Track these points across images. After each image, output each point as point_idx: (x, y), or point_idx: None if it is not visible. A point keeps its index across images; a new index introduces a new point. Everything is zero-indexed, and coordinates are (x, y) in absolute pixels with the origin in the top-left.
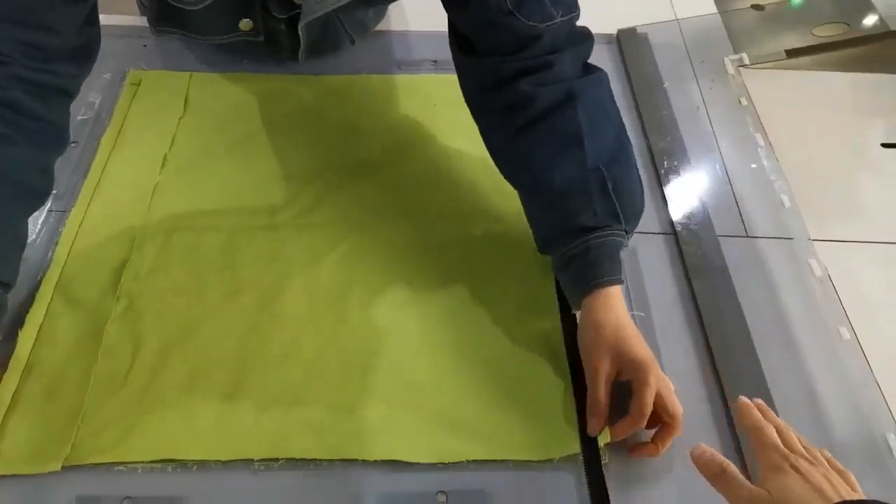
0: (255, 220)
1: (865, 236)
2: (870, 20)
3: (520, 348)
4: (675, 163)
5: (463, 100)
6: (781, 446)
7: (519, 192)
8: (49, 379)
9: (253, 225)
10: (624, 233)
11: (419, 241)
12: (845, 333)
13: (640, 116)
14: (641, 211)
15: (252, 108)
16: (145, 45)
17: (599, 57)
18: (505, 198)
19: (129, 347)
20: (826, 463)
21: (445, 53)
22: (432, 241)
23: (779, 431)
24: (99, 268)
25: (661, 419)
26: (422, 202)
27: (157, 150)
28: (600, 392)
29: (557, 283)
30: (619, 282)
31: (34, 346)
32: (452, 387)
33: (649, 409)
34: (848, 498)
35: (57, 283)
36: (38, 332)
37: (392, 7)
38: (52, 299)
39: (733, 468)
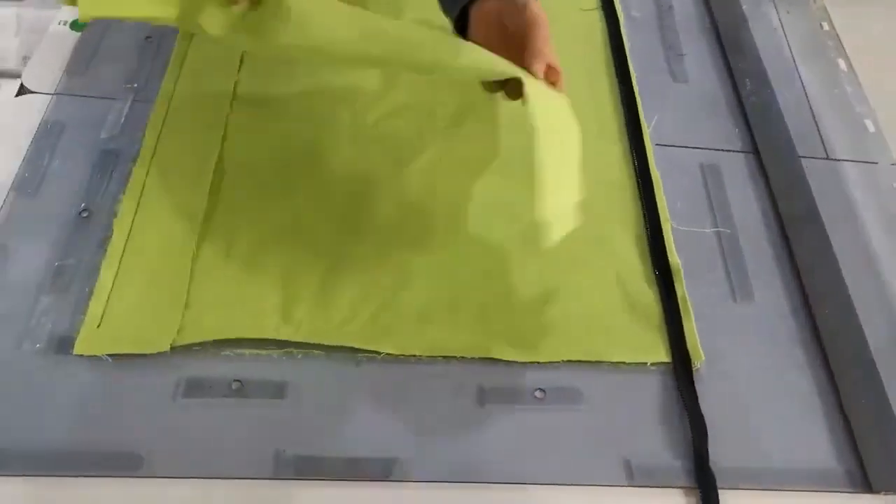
0: (336, 120)
1: None
2: None
3: (613, 262)
4: (756, 84)
5: None
6: None
7: None
8: (147, 269)
9: (335, 125)
10: None
11: (506, 144)
12: None
13: (718, 37)
14: None
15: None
16: None
17: None
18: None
19: (224, 240)
20: None
21: None
22: (517, 150)
23: None
24: (185, 162)
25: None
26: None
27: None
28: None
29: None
30: None
31: (129, 234)
32: (546, 290)
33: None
34: None
35: (147, 175)
36: (132, 223)
37: None
38: (142, 192)
39: None
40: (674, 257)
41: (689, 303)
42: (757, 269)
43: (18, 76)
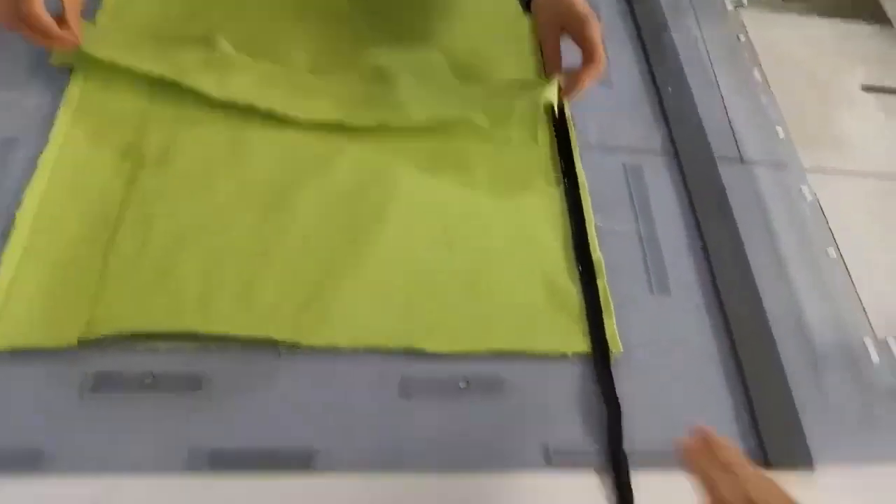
0: (262, 115)
1: (850, 167)
2: None
3: (538, 258)
4: (677, 90)
5: None
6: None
7: None
8: (54, 260)
9: (260, 117)
10: None
11: (432, 146)
12: (832, 252)
13: (642, 44)
14: None
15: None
16: None
17: None
18: None
19: (141, 230)
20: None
21: None
22: (443, 142)
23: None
24: (99, 151)
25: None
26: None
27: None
28: (550, 45)
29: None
30: None
31: (32, 227)
32: (471, 284)
33: (600, 46)
34: None
35: (54, 163)
36: (37, 211)
37: None
38: (49, 179)
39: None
40: (596, 253)
41: (609, 295)
42: (674, 264)
43: None
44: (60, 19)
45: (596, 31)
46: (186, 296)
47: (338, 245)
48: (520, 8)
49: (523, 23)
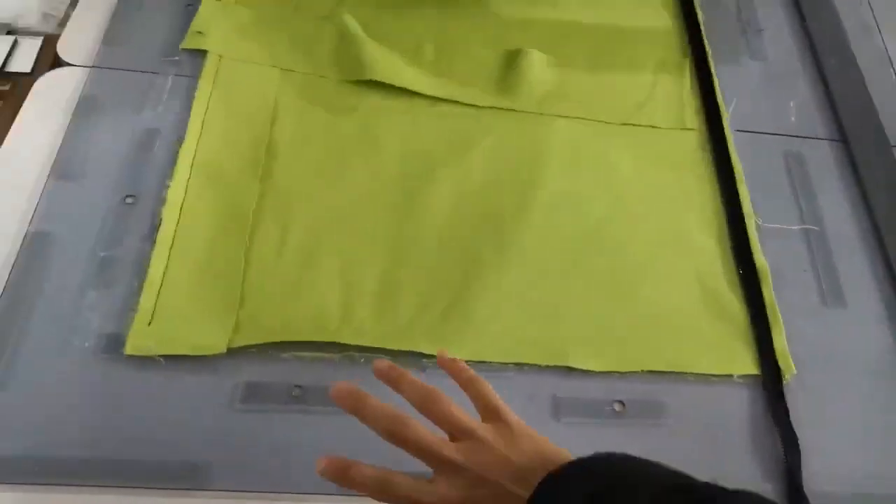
0: (390, 102)
1: None
2: None
3: (692, 261)
4: (840, 63)
5: None
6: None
7: None
8: (199, 260)
9: (389, 107)
10: None
11: (572, 134)
12: None
13: (798, 8)
14: None
15: None
16: None
17: None
18: None
19: (278, 228)
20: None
21: None
22: (588, 135)
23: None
24: (234, 143)
25: None
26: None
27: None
28: None
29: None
30: None
31: (178, 223)
32: (621, 291)
33: None
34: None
35: (193, 158)
36: (181, 210)
37: None
38: (190, 175)
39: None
40: (760, 258)
41: (776, 309)
42: (848, 271)
43: (40, 34)
44: None
45: None
46: (328, 301)
47: (476, 245)
48: (672, 11)
49: (670, 10)
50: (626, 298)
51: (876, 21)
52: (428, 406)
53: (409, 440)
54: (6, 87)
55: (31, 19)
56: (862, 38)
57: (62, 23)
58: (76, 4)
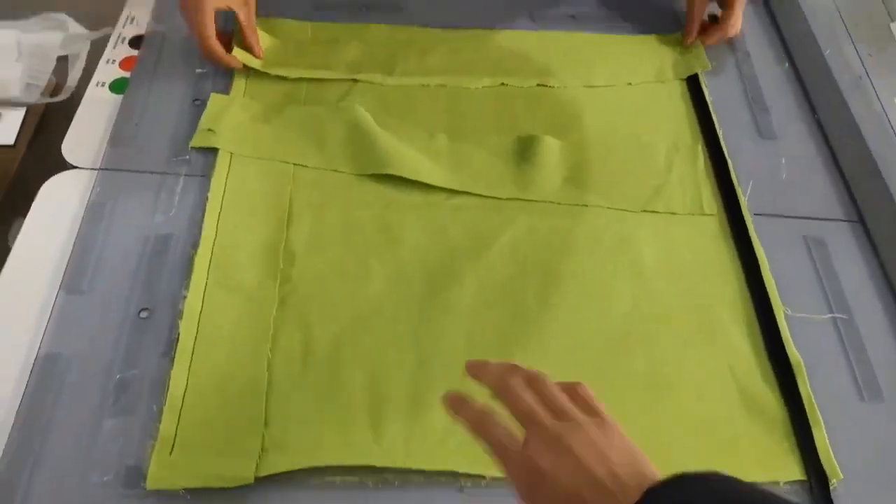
0: (406, 196)
1: None
2: None
3: (725, 357)
4: (850, 139)
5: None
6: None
7: None
8: (220, 377)
9: (405, 202)
10: None
11: (592, 224)
12: None
13: (802, 86)
14: None
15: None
16: None
17: (746, 16)
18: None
19: (300, 340)
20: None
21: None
22: (608, 223)
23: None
24: (250, 247)
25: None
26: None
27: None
28: (696, 8)
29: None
30: None
31: (196, 337)
32: (657, 386)
33: (739, 19)
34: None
35: (209, 265)
36: (199, 322)
37: None
38: (206, 284)
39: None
40: (793, 351)
41: (815, 407)
42: (883, 361)
43: (22, 105)
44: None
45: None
46: (356, 417)
47: (503, 346)
48: (681, 94)
49: (677, 91)
50: (661, 402)
51: (880, 100)
52: (536, 385)
53: (518, 398)
54: None
55: (13, 90)
56: (867, 116)
57: (45, 92)
58: (76, 99)
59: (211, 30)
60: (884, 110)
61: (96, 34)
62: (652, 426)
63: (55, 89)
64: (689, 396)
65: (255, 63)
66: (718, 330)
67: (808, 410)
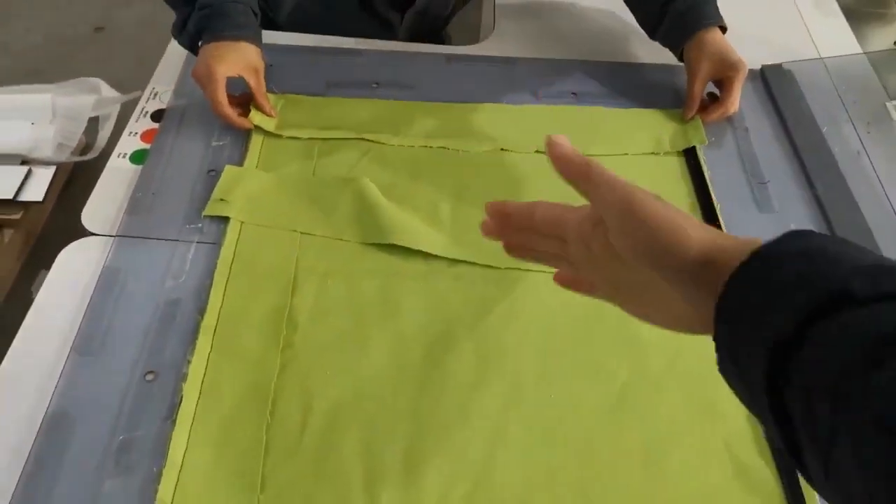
0: (408, 265)
1: None
2: None
3: (720, 429)
4: (846, 215)
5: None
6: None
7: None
8: (219, 441)
9: (408, 271)
10: None
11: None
12: None
13: (799, 160)
14: None
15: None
16: (271, 65)
17: (744, 92)
18: None
19: (299, 406)
20: None
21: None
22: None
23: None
24: (255, 314)
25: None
26: None
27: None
28: (696, 87)
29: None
30: (723, 27)
31: (198, 401)
32: (652, 464)
33: (737, 98)
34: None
35: (214, 331)
36: (202, 386)
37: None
38: (211, 349)
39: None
40: None
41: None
42: None
43: (53, 164)
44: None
45: (742, 80)
46: (350, 486)
47: (500, 418)
48: (679, 167)
49: (676, 165)
50: (657, 475)
51: (878, 176)
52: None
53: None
54: (18, 216)
55: (46, 150)
56: (864, 191)
57: (75, 151)
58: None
59: (223, 96)
60: (881, 185)
61: (127, 97)
62: (647, 498)
63: (84, 148)
64: (683, 469)
65: (269, 125)
66: (713, 400)
67: (803, 485)
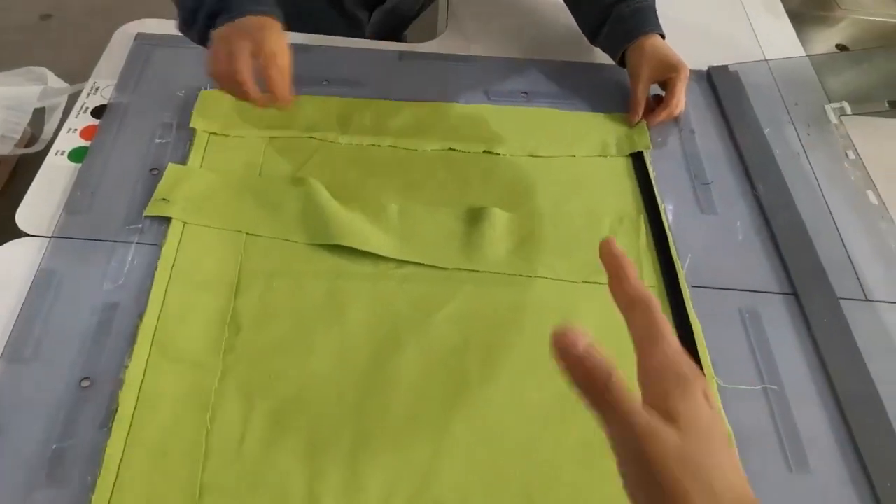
0: (356, 266)
1: None
2: None
3: None
4: (786, 216)
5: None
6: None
7: (569, 6)
8: (156, 450)
9: (355, 272)
10: None
11: (536, 295)
12: None
13: (742, 162)
14: None
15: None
16: None
17: (692, 93)
18: None
19: (240, 411)
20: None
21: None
22: (552, 294)
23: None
24: (197, 318)
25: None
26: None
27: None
28: (640, 92)
29: None
30: (662, 36)
31: (136, 407)
32: (594, 462)
33: (681, 99)
34: None
35: (154, 336)
36: (139, 392)
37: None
38: (150, 354)
39: (619, 377)
40: (725, 425)
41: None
42: (810, 431)
43: None
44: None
45: (685, 81)
46: (291, 493)
47: (444, 418)
48: (626, 168)
49: (622, 165)
50: (598, 474)
51: (815, 176)
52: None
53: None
54: None
55: None
56: (805, 193)
57: (19, 143)
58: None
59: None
60: (819, 186)
61: (75, 87)
62: (592, 494)
63: (30, 140)
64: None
65: (214, 125)
66: None
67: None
